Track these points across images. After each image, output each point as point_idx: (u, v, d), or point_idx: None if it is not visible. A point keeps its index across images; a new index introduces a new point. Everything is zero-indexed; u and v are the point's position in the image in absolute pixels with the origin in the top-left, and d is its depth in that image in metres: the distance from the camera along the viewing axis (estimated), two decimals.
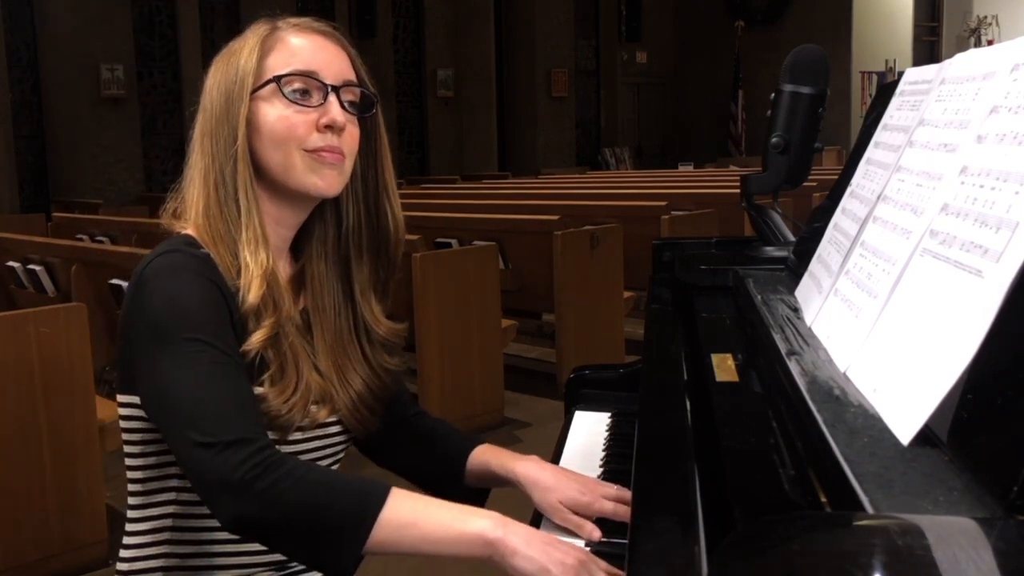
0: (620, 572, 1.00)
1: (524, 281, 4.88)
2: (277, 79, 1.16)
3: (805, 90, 1.61)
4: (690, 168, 12.55)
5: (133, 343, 1.11)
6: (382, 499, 0.98)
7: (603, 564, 0.99)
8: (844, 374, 0.86)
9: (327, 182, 1.17)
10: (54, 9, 9.66)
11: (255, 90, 1.16)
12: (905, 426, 0.70)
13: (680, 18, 16.38)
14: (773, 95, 1.64)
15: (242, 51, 1.18)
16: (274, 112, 1.16)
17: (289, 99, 1.16)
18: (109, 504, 3.07)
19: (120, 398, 1.18)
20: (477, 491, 1.32)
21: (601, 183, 9.00)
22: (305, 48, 1.18)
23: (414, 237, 4.22)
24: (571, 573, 0.94)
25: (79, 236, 5.91)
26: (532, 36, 13.87)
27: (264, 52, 1.18)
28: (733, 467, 0.82)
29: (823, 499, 0.72)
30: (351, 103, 1.20)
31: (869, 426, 0.74)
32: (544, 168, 12.91)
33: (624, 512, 1.14)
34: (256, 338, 1.11)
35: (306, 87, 1.17)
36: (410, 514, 0.98)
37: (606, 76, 15.62)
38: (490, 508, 1.06)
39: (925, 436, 0.69)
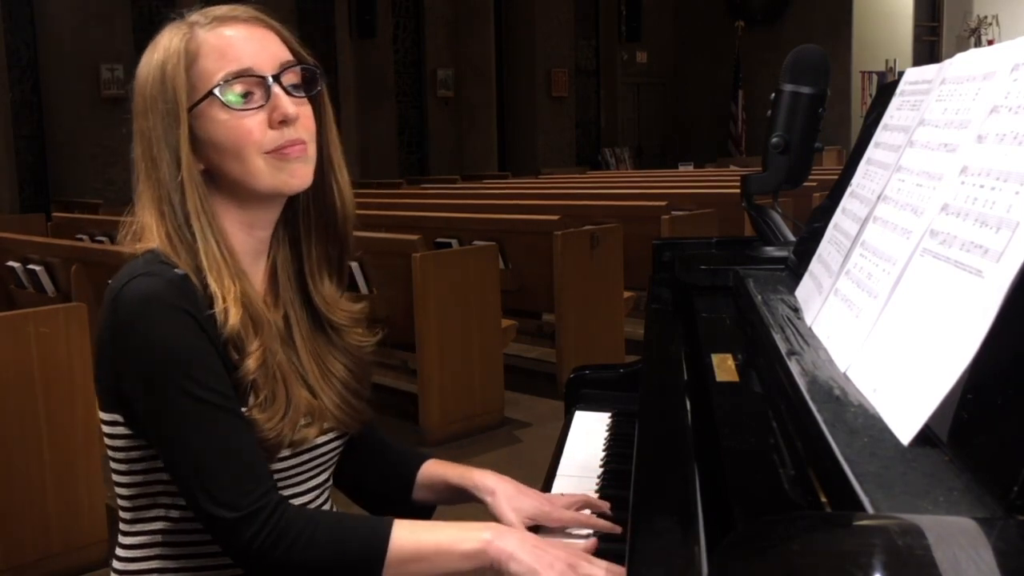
0: (617, 568, 1.02)
1: (524, 281, 4.88)
2: (215, 91, 1.08)
3: (805, 90, 1.61)
4: (690, 168, 12.55)
5: (120, 374, 1.08)
6: (385, 542, 1.04)
7: (598, 562, 1.03)
8: (844, 374, 0.86)
9: (298, 177, 1.12)
10: (54, 9, 9.65)
11: (192, 106, 1.09)
12: (905, 426, 0.70)
13: (680, 18, 16.38)
14: (773, 95, 1.64)
15: (165, 63, 1.10)
16: (219, 123, 1.09)
17: (233, 106, 1.09)
18: (109, 504, 3.07)
19: (102, 415, 1.14)
20: (423, 507, 1.32)
21: (601, 183, 9.00)
22: (232, 44, 1.10)
23: (414, 237, 4.22)
24: (558, 573, 1.00)
25: (79, 236, 5.91)
26: (532, 36, 13.86)
27: (190, 60, 1.09)
28: (733, 467, 0.82)
29: (823, 499, 0.72)
30: (295, 86, 1.13)
31: (869, 426, 0.74)
32: (544, 168, 12.90)
33: (584, 518, 1.19)
34: (250, 367, 1.09)
35: (246, 86, 1.09)
36: (413, 548, 1.04)
37: (606, 76, 15.62)
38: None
39: (925, 436, 0.69)
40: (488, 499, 1.22)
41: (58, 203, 9.17)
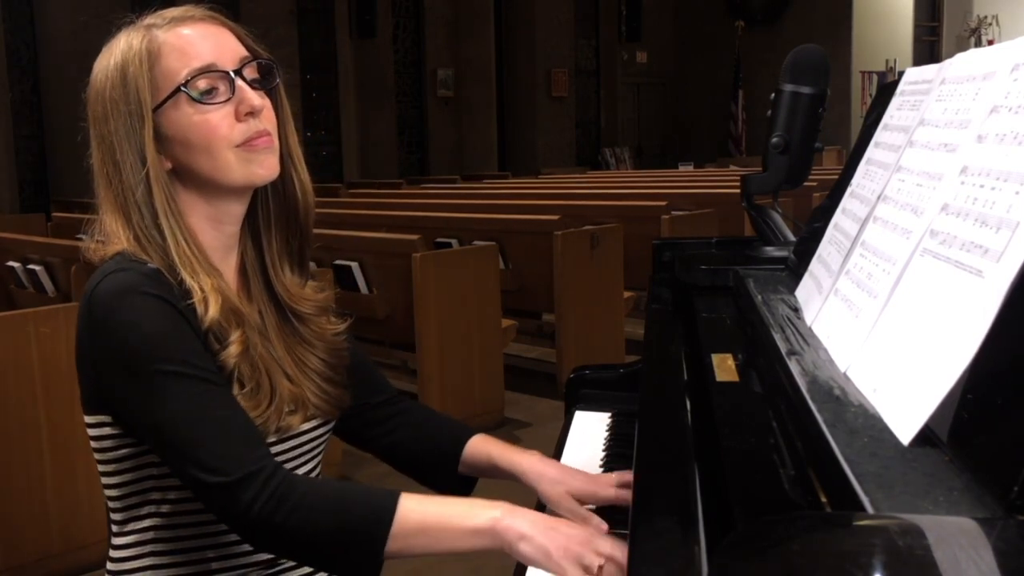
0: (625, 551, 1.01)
1: (524, 281, 4.88)
2: (182, 87, 1.10)
3: (805, 90, 1.61)
4: (690, 168, 12.55)
5: (99, 368, 1.09)
6: (391, 512, 1.00)
7: (608, 543, 1.00)
8: (844, 374, 0.86)
9: (267, 168, 1.14)
10: (54, 9, 9.65)
11: (158, 105, 1.10)
12: (905, 426, 0.70)
13: (680, 18, 16.38)
14: (773, 95, 1.64)
15: (125, 66, 1.11)
16: (187, 119, 1.11)
17: (200, 102, 1.10)
18: None
19: (87, 419, 1.15)
20: (466, 479, 1.32)
21: (601, 183, 9.00)
22: (192, 42, 1.12)
23: (414, 237, 4.22)
24: (572, 556, 0.97)
25: (79, 236, 5.89)
26: (532, 36, 13.86)
27: (152, 60, 1.11)
28: (733, 467, 0.82)
29: (823, 499, 0.72)
30: (255, 80, 1.15)
31: (869, 426, 0.74)
32: (544, 168, 12.90)
33: (628, 496, 1.17)
34: (232, 351, 1.09)
35: (210, 82, 1.11)
36: (420, 520, 1.01)
37: (606, 76, 15.62)
38: (489, 497, 1.08)
39: (925, 436, 0.69)
40: (536, 485, 1.23)
41: (58, 203, 9.17)
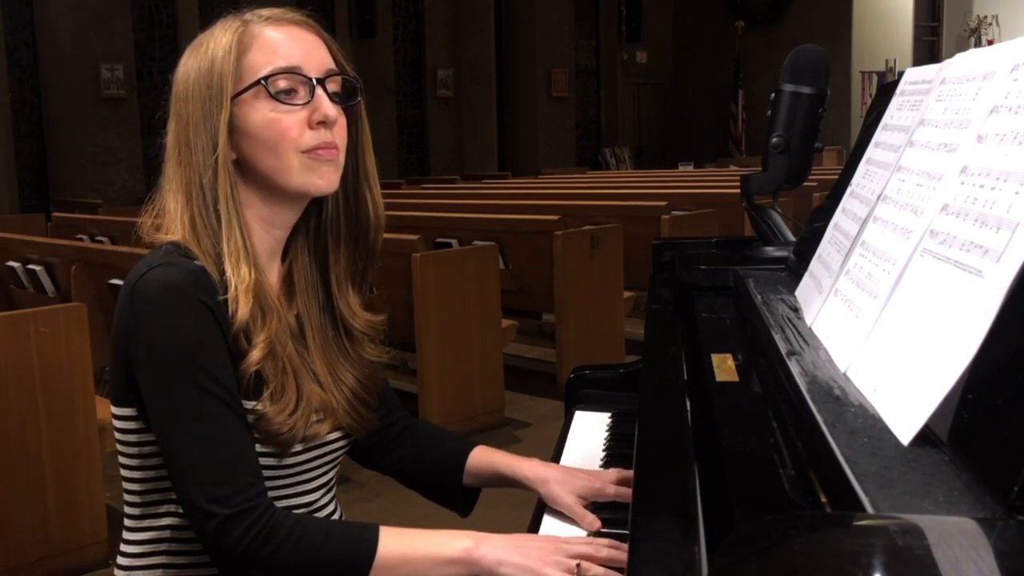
0: (594, 541, 1.08)
1: (524, 281, 4.88)
2: (262, 81, 1.11)
3: (805, 90, 1.61)
4: (690, 168, 12.54)
5: (132, 361, 1.09)
6: (374, 546, 1.05)
7: (578, 543, 1.08)
8: (844, 374, 0.86)
9: (326, 180, 1.15)
10: (54, 9, 9.65)
11: (238, 94, 1.12)
12: (905, 426, 0.70)
13: (680, 18, 16.38)
14: (773, 95, 1.64)
15: (215, 52, 1.12)
16: (261, 114, 1.12)
17: (277, 100, 1.11)
18: (109, 504, 3.07)
19: (115, 410, 1.15)
20: (469, 492, 1.35)
21: (601, 183, 9.00)
22: (284, 42, 1.13)
23: (414, 237, 4.22)
24: (550, 562, 1.04)
25: (79, 236, 5.91)
26: (532, 36, 13.86)
27: (241, 51, 1.12)
28: (733, 467, 0.82)
29: (823, 499, 0.72)
30: (336, 93, 1.16)
31: (869, 426, 0.74)
32: (544, 168, 12.90)
33: (627, 493, 1.21)
34: (254, 357, 1.10)
35: (291, 84, 1.12)
36: (399, 553, 1.06)
37: (606, 76, 15.62)
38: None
39: (925, 436, 0.69)
40: (540, 488, 1.26)
41: (58, 203, 9.17)
